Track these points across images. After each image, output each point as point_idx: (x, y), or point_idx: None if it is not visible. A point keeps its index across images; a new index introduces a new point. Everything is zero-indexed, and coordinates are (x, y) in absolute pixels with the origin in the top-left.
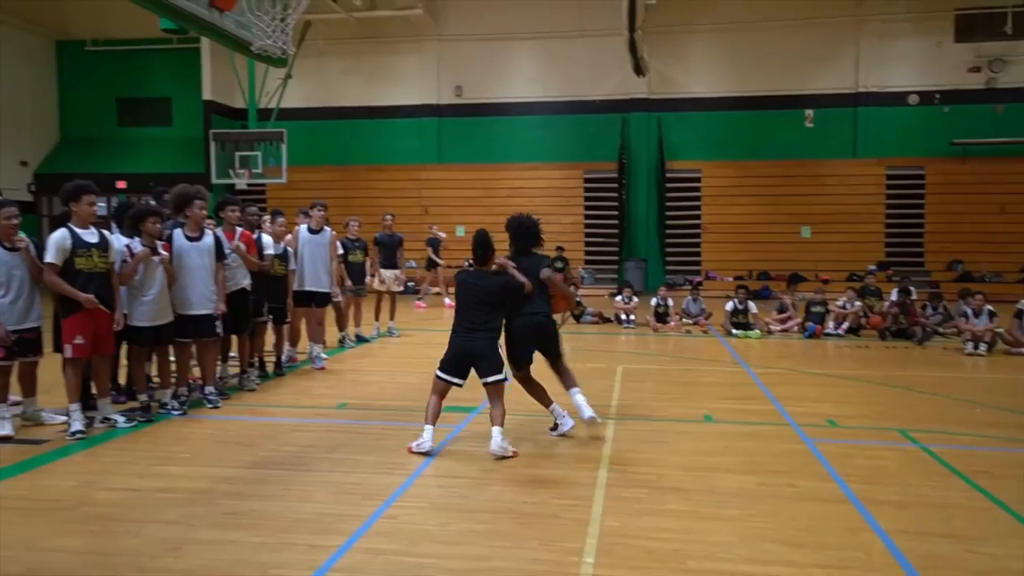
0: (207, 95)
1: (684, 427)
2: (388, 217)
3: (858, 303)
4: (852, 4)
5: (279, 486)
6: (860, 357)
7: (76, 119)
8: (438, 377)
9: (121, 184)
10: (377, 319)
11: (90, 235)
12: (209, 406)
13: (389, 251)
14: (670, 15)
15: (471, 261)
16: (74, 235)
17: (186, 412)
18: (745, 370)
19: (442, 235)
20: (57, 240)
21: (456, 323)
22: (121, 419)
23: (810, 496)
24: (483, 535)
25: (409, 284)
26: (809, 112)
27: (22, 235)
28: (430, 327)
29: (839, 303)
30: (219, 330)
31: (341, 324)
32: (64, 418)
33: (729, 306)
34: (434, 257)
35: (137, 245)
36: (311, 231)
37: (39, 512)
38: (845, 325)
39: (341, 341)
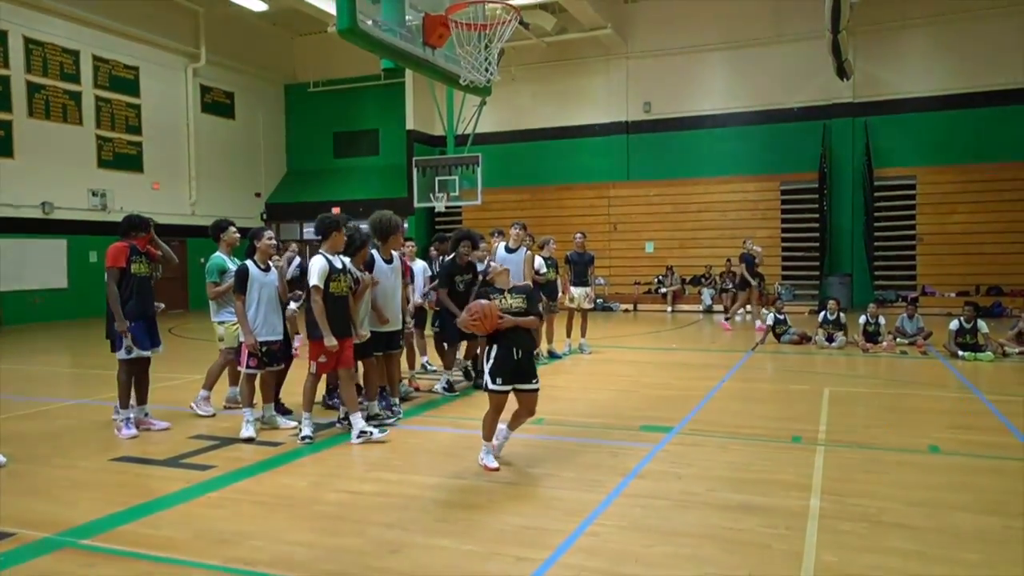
0: (410, 125)
1: (906, 458)
2: (579, 236)
3: None
4: None
5: (484, 496)
6: None
7: (299, 153)
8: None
9: (336, 210)
10: (568, 336)
11: (338, 261)
12: (394, 418)
13: (580, 269)
14: (878, 12)
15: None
16: (329, 261)
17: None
18: (977, 396)
19: (758, 249)
20: (320, 266)
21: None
22: (375, 431)
23: None
24: (688, 560)
25: (598, 301)
26: None
27: (277, 258)
28: (622, 344)
29: None
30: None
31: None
32: (294, 424)
33: (954, 325)
34: (746, 275)
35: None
36: (508, 250)
37: (280, 507)
38: None
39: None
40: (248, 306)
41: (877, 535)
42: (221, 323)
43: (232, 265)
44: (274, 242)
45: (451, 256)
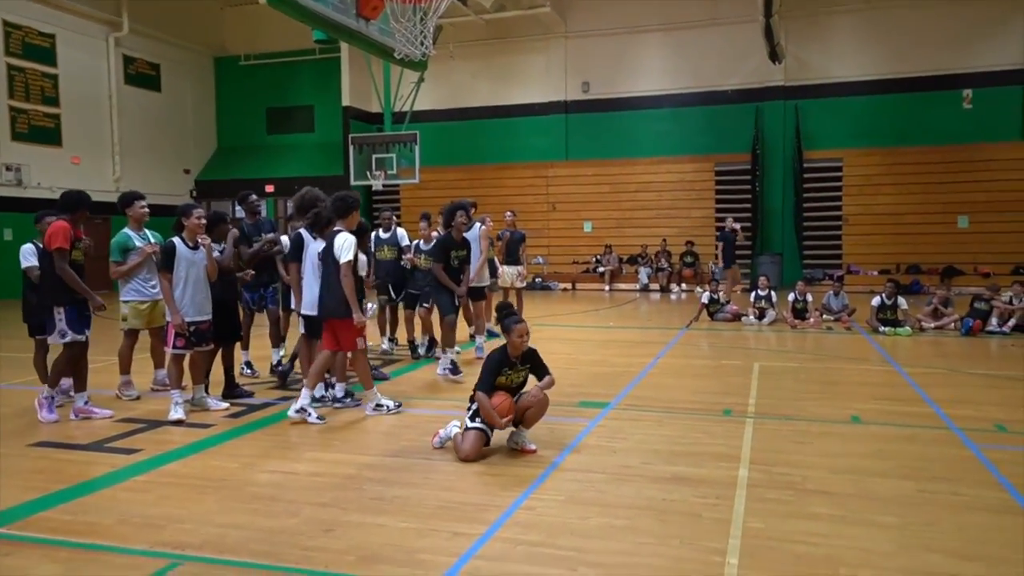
0: (346, 101)
1: (830, 428)
2: (509, 214)
3: None
4: None
5: (420, 474)
6: None
7: (231, 129)
8: None
9: (269, 188)
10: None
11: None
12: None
13: (512, 247)
14: None
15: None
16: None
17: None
18: (896, 369)
19: (737, 227)
20: (353, 242)
21: None
22: (391, 403)
23: (979, 506)
24: (623, 530)
25: (537, 280)
26: (967, 92)
27: (204, 236)
28: (560, 322)
29: (1004, 298)
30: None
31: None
32: (226, 405)
33: (876, 301)
34: (718, 253)
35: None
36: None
37: (210, 490)
38: (1012, 322)
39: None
40: (175, 285)
41: (801, 502)
42: (125, 302)
43: (139, 242)
44: (204, 220)
45: (446, 230)
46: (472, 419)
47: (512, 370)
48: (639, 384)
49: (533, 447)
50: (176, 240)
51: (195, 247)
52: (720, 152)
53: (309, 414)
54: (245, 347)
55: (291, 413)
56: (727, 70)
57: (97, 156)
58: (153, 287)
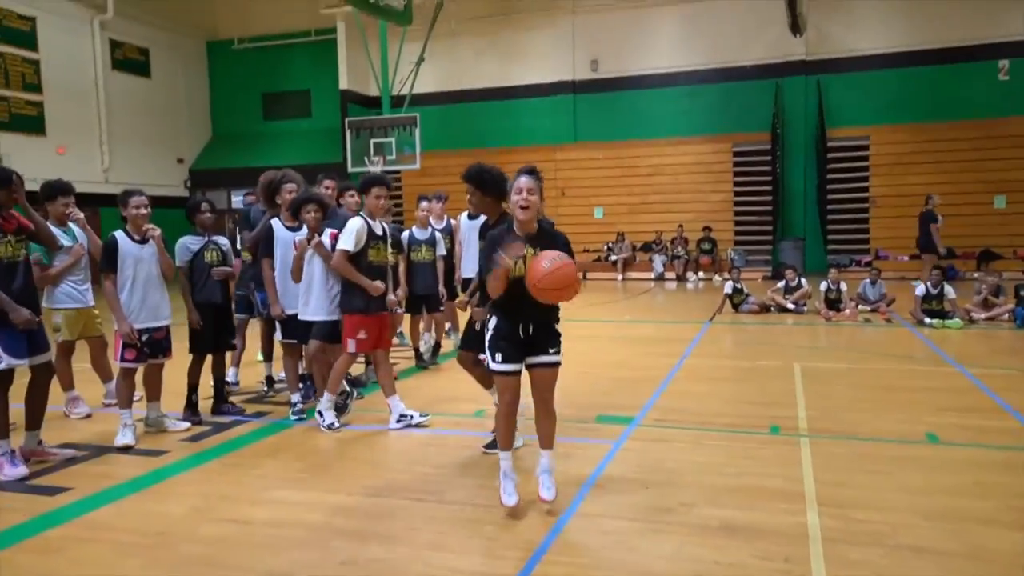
0: (343, 85)
1: (903, 451)
2: None
3: None
4: None
5: (402, 522)
6: None
7: (225, 116)
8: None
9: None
10: None
11: (378, 226)
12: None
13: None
14: None
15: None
16: (369, 225)
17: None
18: (959, 371)
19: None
20: (357, 228)
21: None
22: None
23: None
24: None
25: None
26: (1004, 63)
27: (152, 226)
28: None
29: None
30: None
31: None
32: (187, 424)
33: (920, 290)
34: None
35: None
36: (471, 217)
37: (140, 548)
38: None
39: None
40: (120, 287)
41: (900, 566)
42: (55, 309)
43: (66, 240)
44: (146, 211)
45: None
46: (493, 356)
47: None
48: (665, 392)
49: (549, 496)
50: (118, 234)
51: (142, 240)
52: (738, 131)
53: (411, 416)
54: (268, 358)
55: (393, 426)
56: (744, 45)
57: (84, 145)
58: (86, 290)
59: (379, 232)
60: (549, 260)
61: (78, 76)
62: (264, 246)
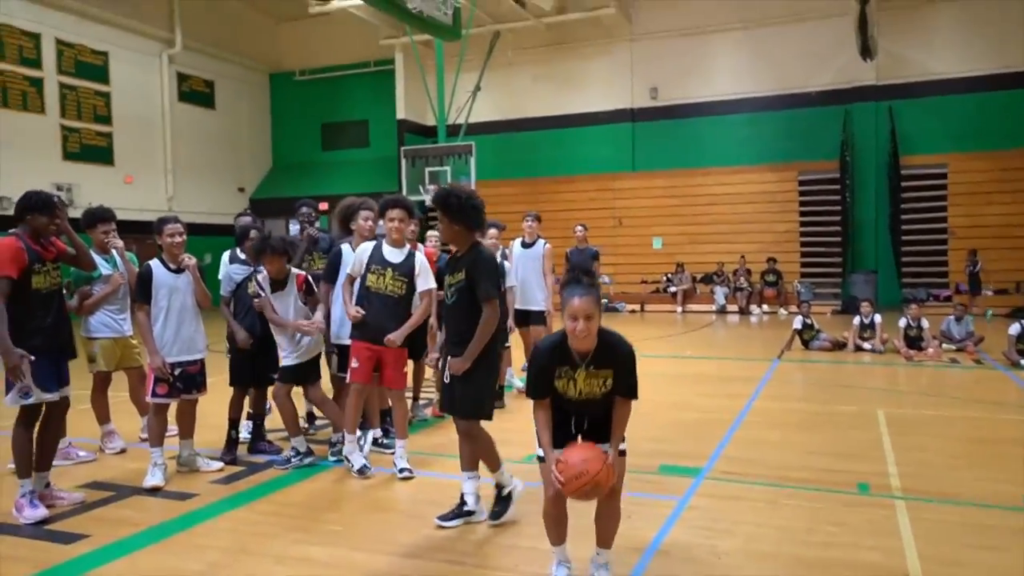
0: (400, 114)
1: (1020, 520)
2: (580, 229)
3: None
4: None
5: None
6: None
7: (286, 146)
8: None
9: (323, 206)
10: None
11: (394, 254)
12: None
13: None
14: None
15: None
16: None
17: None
18: None
19: None
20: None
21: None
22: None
23: None
24: None
25: (603, 301)
26: None
27: (188, 255)
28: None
29: None
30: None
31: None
32: (220, 464)
33: (1014, 329)
34: None
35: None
36: (524, 245)
37: None
38: None
39: None
40: (154, 319)
41: None
42: (92, 339)
43: (107, 268)
44: (181, 238)
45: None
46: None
47: (574, 370)
48: (734, 439)
49: None
50: (154, 263)
51: (178, 270)
52: (804, 160)
53: (352, 464)
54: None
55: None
56: (811, 70)
57: (150, 174)
58: (124, 320)
59: (391, 259)
60: (578, 464)
61: (146, 108)
62: (330, 271)
